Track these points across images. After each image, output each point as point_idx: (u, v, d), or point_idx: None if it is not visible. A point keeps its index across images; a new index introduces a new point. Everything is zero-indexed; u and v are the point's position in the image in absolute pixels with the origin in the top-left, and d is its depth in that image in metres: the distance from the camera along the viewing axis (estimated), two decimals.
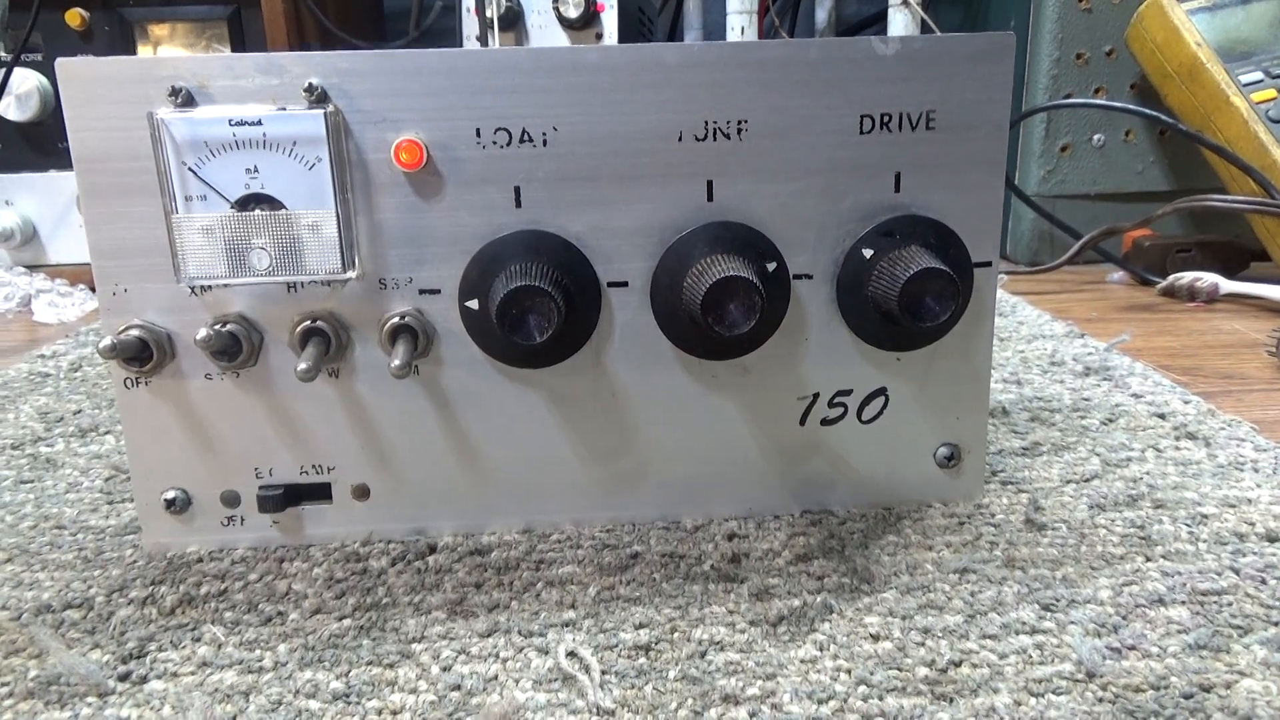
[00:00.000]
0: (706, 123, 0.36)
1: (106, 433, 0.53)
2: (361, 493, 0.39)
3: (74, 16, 0.90)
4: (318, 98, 0.34)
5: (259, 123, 0.34)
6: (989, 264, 0.38)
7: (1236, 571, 0.34)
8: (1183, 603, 0.32)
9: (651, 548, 0.38)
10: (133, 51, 0.91)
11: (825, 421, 0.39)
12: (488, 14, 0.93)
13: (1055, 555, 0.36)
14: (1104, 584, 0.34)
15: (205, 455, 0.38)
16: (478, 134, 0.35)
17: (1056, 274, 0.93)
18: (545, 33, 0.96)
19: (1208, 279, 0.79)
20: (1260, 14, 0.83)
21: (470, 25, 0.97)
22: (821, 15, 1.29)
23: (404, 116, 0.35)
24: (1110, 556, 0.36)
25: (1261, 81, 0.80)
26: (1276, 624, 0.31)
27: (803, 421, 0.39)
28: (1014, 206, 0.97)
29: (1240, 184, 0.81)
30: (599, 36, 0.97)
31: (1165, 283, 0.82)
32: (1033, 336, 0.67)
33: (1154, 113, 0.85)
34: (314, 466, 0.38)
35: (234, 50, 0.91)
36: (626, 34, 1.00)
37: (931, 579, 0.35)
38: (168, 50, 0.92)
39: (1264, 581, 0.33)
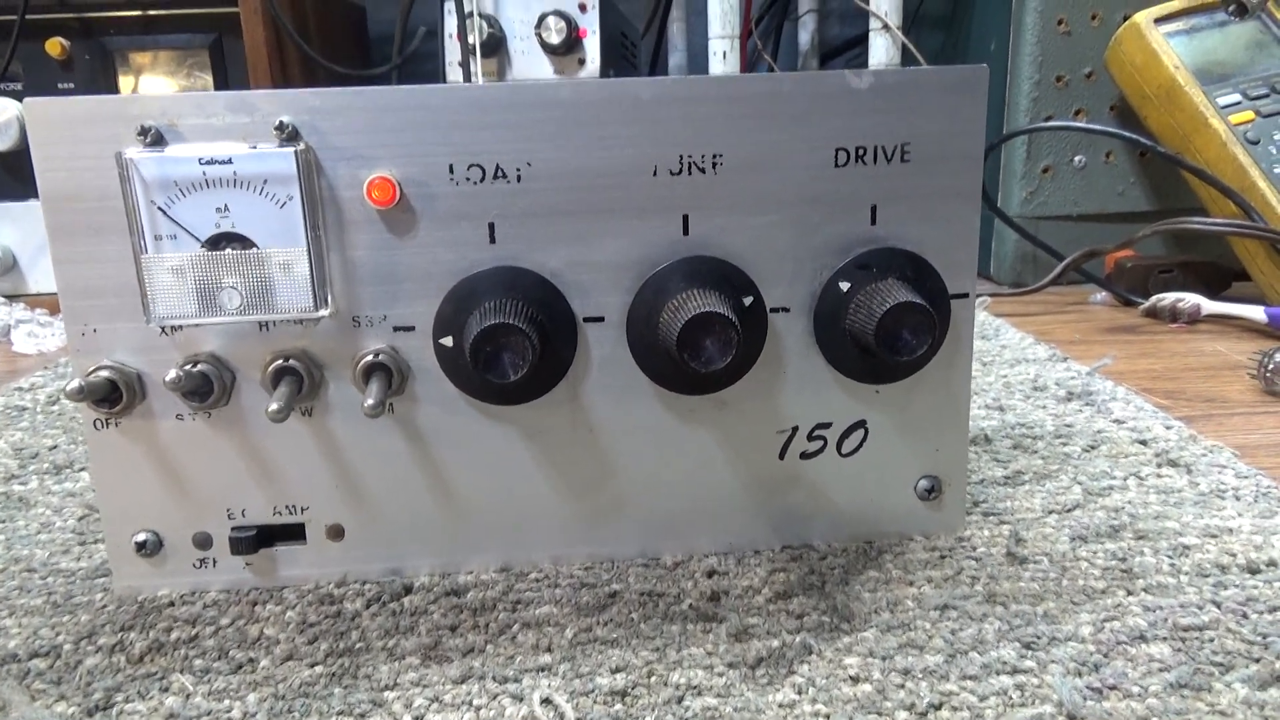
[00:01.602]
0: (681, 157, 0.36)
1: (81, 469, 0.52)
2: (336, 533, 0.38)
3: (54, 46, 0.89)
4: (289, 135, 0.34)
5: (229, 161, 0.34)
6: (966, 295, 0.38)
7: (1218, 605, 0.34)
8: (1164, 639, 0.32)
9: (630, 586, 0.37)
10: (114, 80, 0.91)
11: (805, 455, 0.39)
12: (470, 40, 0.93)
13: (1037, 590, 0.36)
14: (1085, 619, 0.34)
15: (177, 497, 0.37)
16: (451, 170, 0.35)
17: (1040, 295, 0.93)
18: (528, 58, 0.97)
19: (1190, 300, 0.79)
20: (1237, 36, 0.84)
21: (453, 51, 0.97)
22: (805, 37, 1.30)
23: (376, 153, 0.35)
24: (1092, 591, 0.35)
25: (1239, 103, 0.81)
26: (1258, 660, 0.31)
27: (782, 455, 0.39)
28: (996, 228, 0.97)
29: (1220, 204, 0.81)
30: (581, 62, 0.97)
31: (1148, 304, 0.82)
32: (1016, 360, 0.67)
33: (1133, 135, 0.86)
34: (287, 507, 0.38)
35: (215, 78, 0.91)
36: (609, 59, 1.00)
37: (912, 616, 0.34)
38: (149, 79, 0.92)
39: (1245, 616, 0.33)
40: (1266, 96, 0.81)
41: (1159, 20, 0.85)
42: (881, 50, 0.98)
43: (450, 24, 0.98)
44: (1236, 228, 0.77)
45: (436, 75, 1.01)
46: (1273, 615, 0.33)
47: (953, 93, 0.36)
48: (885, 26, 0.96)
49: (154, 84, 0.92)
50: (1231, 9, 0.74)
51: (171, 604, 0.37)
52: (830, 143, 0.36)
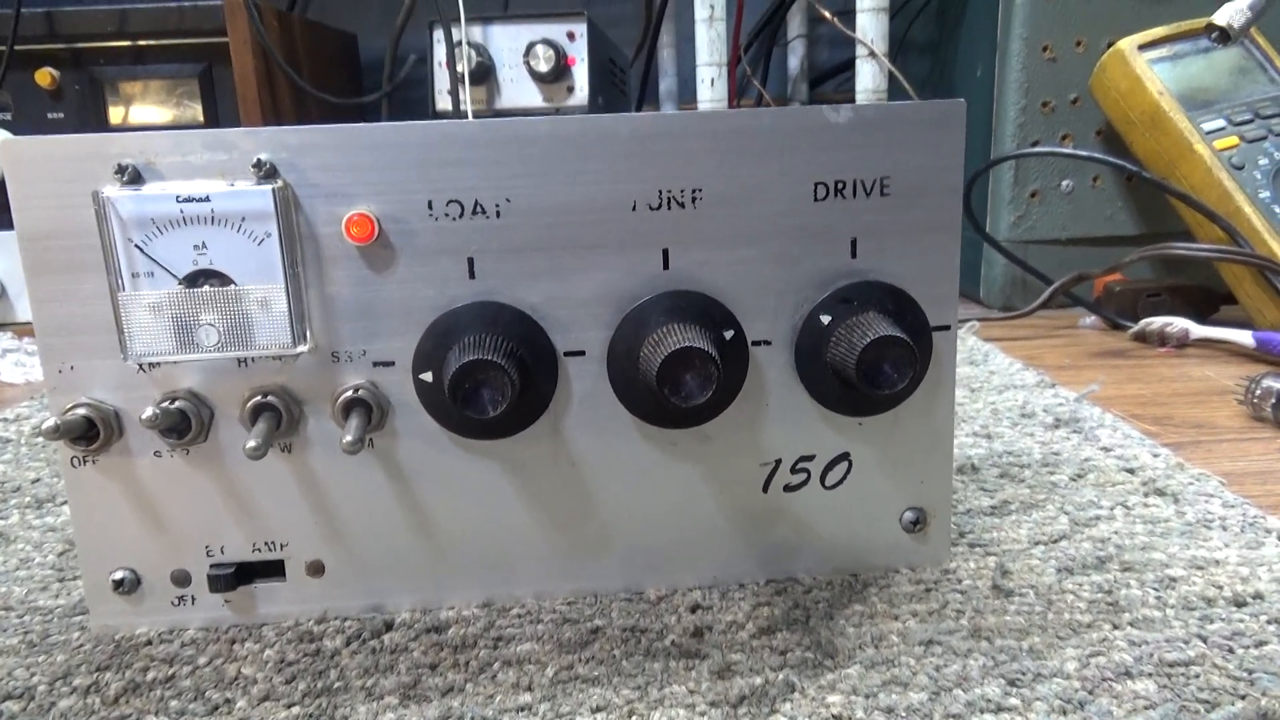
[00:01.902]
0: (660, 192, 0.36)
1: (63, 503, 0.52)
2: (316, 569, 0.38)
3: (44, 76, 0.90)
4: (266, 173, 0.34)
5: (207, 199, 0.34)
6: (947, 328, 0.38)
7: (1204, 640, 0.34)
8: (1149, 675, 0.32)
9: (613, 621, 0.37)
10: (103, 111, 0.91)
11: (788, 488, 0.39)
12: (459, 69, 0.94)
13: (1022, 624, 0.35)
14: (1070, 655, 0.33)
15: (155, 534, 0.37)
16: (430, 206, 0.35)
17: (1030, 319, 0.93)
18: (516, 86, 0.97)
19: (1178, 324, 0.79)
20: (1220, 63, 0.84)
21: (442, 79, 0.98)
22: (794, 63, 1.31)
23: (355, 190, 0.35)
24: (1077, 625, 0.35)
25: (1224, 129, 0.81)
26: (1244, 697, 0.30)
27: (766, 488, 0.39)
28: (985, 252, 0.97)
29: (1206, 229, 0.82)
30: (570, 90, 0.97)
31: (1137, 328, 0.82)
32: (1004, 387, 0.67)
33: (1119, 161, 0.86)
34: (267, 543, 0.37)
35: (205, 108, 0.92)
36: (598, 86, 1.00)
37: (897, 652, 0.34)
38: (139, 109, 0.92)
39: (1231, 650, 0.33)
40: (1250, 122, 0.81)
41: (1143, 47, 0.85)
42: (868, 76, 0.98)
43: (439, 52, 0.98)
44: (1223, 253, 0.78)
45: (426, 103, 1.01)
46: (1259, 650, 0.33)
47: (931, 127, 0.36)
48: (872, 53, 0.96)
49: (144, 114, 0.92)
50: (1214, 36, 0.75)
51: (149, 642, 0.37)
52: (809, 177, 0.36)
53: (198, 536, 0.37)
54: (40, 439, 0.63)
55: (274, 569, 0.38)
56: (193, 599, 0.38)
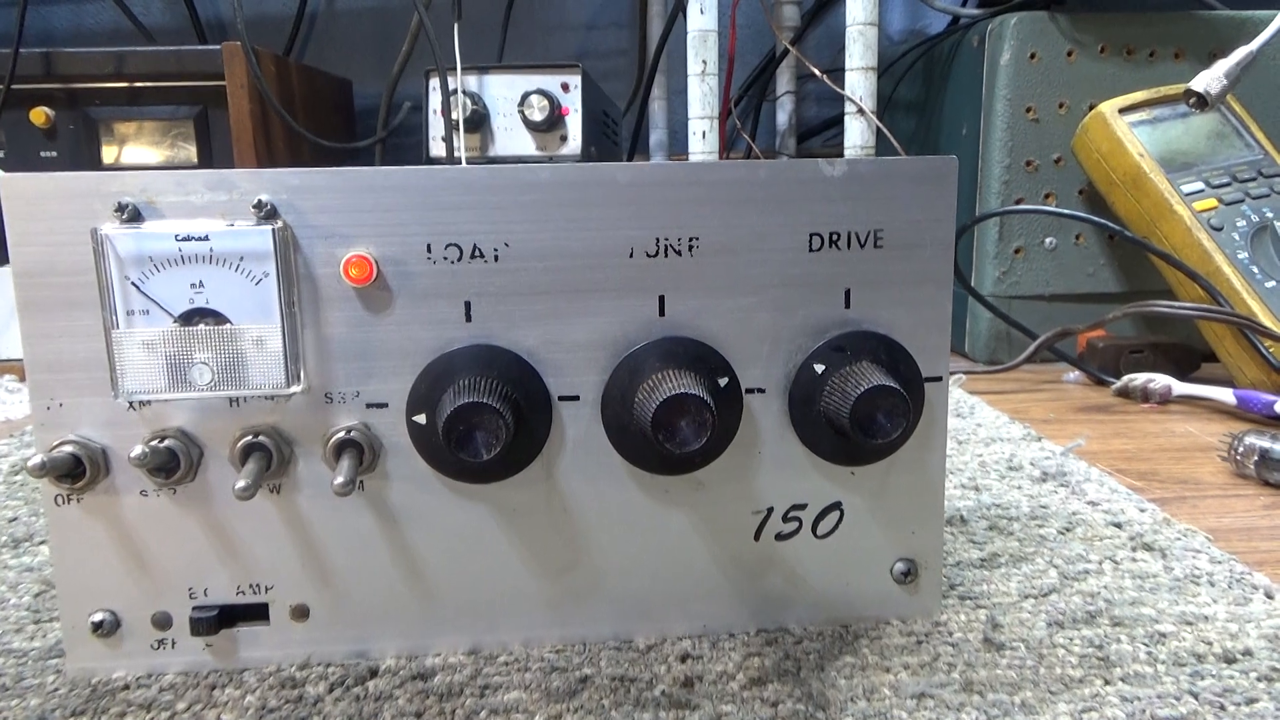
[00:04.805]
0: (658, 239, 0.36)
1: (41, 543, 0.51)
2: (300, 613, 0.37)
3: (39, 115, 0.90)
4: (266, 214, 0.34)
5: (206, 238, 0.34)
6: (939, 379, 0.38)
7: (1195, 696, 0.34)
8: None
9: (602, 670, 0.37)
10: (97, 150, 0.91)
11: (780, 536, 0.39)
12: (454, 116, 0.95)
13: (1014, 678, 0.35)
14: (1063, 710, 0.33)
15: (137, 575, 0.36)
16: (428, 249, 0.35)
17: (1014, 373, 0.94)
18: (510, 135, 0.98)
19: (1160, 381, 0.80)
20: (1198, 127, 0.86)
21: (436, 127, 0.99)
22: (782, 118, 1.33)
23: (354, 232, 0.35)
24: (1069, 680, 0.35)
25: (1202, 191, 0.83)
26: None
27: (757, 536, 0.39)
28: (971, 306, 0.98)
29: (1187, 287, 0.83)
30: (564, 139, 0.99)
31: (1120, 384, 0.83)
32: (991, 439, 0.68)
33: (1101, 220, 0.88)
34: (251, 586, 0.37)
35: (199, 150, 0.92)
36: (591, 136, 1.02)
37: (889, 704, 0.34)
38: (133, 149, 0.92)
39: (1223, 708, 0.33)
40: (1228, 185, 0.83)
41: (1123, 110, 0.87)
42: (857, 133, 1.00)
43: (435, 100, 1.00)
44: (1204, 312, 0.79)
45: (420, 150, 1.02)
46: (1250, 708, 0.33)
47: (924, 182, 0.37)
48: (860, 111, 0.98)
49: (137, 154, 0.93)
50: (1192, 101, 0.77)
51: (126, 687, 0.36)
52: (805, 228, 0.36)
53: (181, 578, 0.37)
54: (19, 477, 0.63)
55: (258, 612, 0.37)
56: (173, 642, 0.37)
